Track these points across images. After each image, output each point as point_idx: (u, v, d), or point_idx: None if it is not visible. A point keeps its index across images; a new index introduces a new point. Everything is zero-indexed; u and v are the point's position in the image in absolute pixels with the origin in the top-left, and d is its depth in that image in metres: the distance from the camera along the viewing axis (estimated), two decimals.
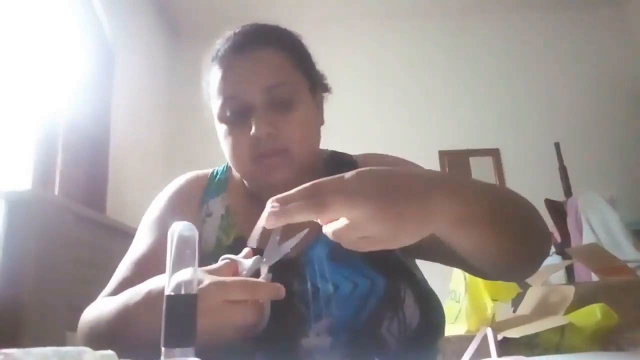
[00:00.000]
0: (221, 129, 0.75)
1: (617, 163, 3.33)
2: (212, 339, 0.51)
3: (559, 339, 1.11)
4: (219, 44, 0.78)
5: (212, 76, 0.76)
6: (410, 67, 3.60)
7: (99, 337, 0.60)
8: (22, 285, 1.60)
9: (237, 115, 0.72)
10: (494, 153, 3.46)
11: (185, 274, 0.39)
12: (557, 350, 1.11)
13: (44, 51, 2.12)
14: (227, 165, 0.86)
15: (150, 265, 0.70)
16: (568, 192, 2.87)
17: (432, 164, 3.39)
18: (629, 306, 1.22)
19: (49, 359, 0.34)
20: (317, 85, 0.80)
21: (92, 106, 2.52)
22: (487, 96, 3.56)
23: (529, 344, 1.12)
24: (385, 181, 0.46)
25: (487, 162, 3.45)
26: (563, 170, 2.93)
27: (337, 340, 0.66)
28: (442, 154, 3.46)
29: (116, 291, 0.67)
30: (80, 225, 1.98)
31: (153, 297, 0.53)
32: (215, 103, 0.75)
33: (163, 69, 3.53)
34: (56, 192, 2.12)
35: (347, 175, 0.46)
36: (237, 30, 0.78)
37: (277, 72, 0.73)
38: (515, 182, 3.38)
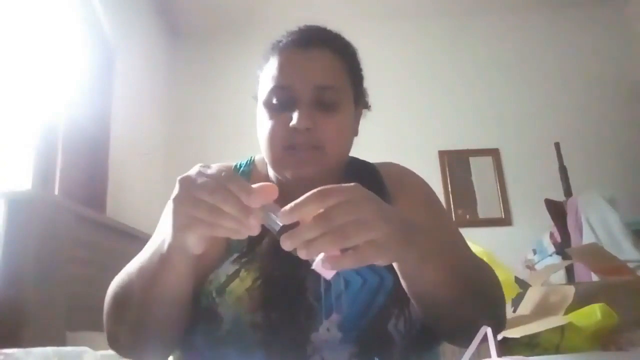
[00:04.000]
0: (263, 113, 0.76)
1: (617, 163, 3.32)
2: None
3: (559, 339, 1.11)
4: (282, 36, 0.79)
5: (269, 64, 0.78)
6: (410, 67, 3.60)
7: (128, 297, 0.64)
8: (22, 285, 1.60)
9: (282, 104, 0.74)
10: (494, 153, 3.46)
11: None
12: (557, 350, 1.11)
13: (44, 51, 2.12)
14: (250, 159, 0.87)
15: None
16: (568, 192, 2.87)
17: (432, 163, 3.40)
18: (629, 306, 1.22)
19: (50, 359, 0.34)
20: (360, 98, 0.83)
21: (92, 106, 2.52)
22: (487, 96, 3.56)
23: (529, 344, 1.12)
24: (404, 220, 0.55)
25: (487, 162, 3.45)
26: (563, 170, 2.93)
27: (346, 335, 0.68)
28: (442, 154, 3.46)
29: None
30: (80, 225, 1.98)
31: (164, 252, 0.57)
32: (264, 88, 0.77)
33: (163, 69, 3.53)
34: (56, 192, 2.12)
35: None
36: (301, 27, 0.80)
37: (330, 75, 0.75)
38: (515, 182, 3.38)
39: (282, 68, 0.75)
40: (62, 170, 2.18)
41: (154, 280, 0.60)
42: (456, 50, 3.67)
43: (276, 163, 0.75)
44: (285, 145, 0.72)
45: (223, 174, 0.51)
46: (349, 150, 0.81)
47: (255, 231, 0.50)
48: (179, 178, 0.53)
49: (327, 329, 0.68)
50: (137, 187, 2.86)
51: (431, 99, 3.57)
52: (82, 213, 2.02)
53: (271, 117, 0.74)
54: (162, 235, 0.59)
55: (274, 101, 0.74)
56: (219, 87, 3.61)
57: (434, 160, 3.43)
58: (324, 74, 0.74)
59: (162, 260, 0.58)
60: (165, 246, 0.56)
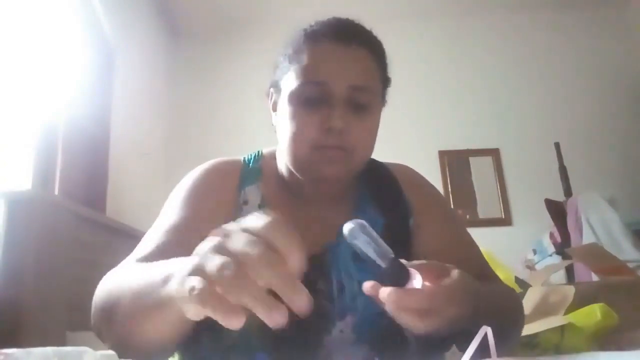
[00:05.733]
0: (289, 108, 0.71)
1: (617, 163, 3.32)
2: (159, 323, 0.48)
3: (559, 339, 1.11)
4: (315, 26, 0.74)
5: (302, 55, 0.72)
6: (410, 67, 3.60)
7: (112, 320, 0.57)
8: (22, 285, 1.60)
9: (314, 100, 0.69)
10: (494, 153, 3.46)
11: None
12: (557, 350, 1.11)
13: (44, 51, 2.12)
14: (257, 153, 0.84)
15: (187, 234, 0.66)
16: (568, 192, 2.87)
17: (432, 163, 3.40)
18: (629, 306, 1.22)
19: (50, 359, 0.34)
20: (385, 99, 0.81)
21: (92, 106, 2.52)
22: (487, 96, 3.56)
23: (529, 344, 1.12)
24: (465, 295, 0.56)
25: (487, 162, 3.45)
26: (563, 170, 2.93)
27: (360, 337, 0.67)
28: (442, 154, 3.46)
29: (153, 256, 0.63)
30: (80, 225, 1.98)
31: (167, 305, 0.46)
32: (292, 80, 0.71)
33: (163, 69, 3.53)
34: (56, 192, 2.12)
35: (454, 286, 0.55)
36: (338, 20, 0.76)
37: (367, 75, 0.72)
38: (515, 182, 3.38)
39: (318, 62, 0.70)
40: (62, 170, 2.17)
41: (144, 317, 0.51)
42: (456, 50, 3.67)
43: (301, 161, 0.72)
44: (314, 145, 0.69)
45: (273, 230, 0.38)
46: (373, 150, 0.79)
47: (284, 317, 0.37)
48: (210, 237, 0.40)
49: (341, 331, 0.67)
50: (137, 187, 2.85)
51: (431, 99, 3.56)
52: (82, 213, 2.02)
53: (301, 115, 0.70)
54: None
55: (305, 94, 0.70)
56: (219, 87, 3.61)
57: (434, 160, 3.43)
58: (362, 73, 0.71)
59: (156, 306, 0.47)
60: (162, 294, 0.45)
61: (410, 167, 0.89)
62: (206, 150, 3.43)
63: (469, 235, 0.83)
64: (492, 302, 0.63)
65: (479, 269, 0.78)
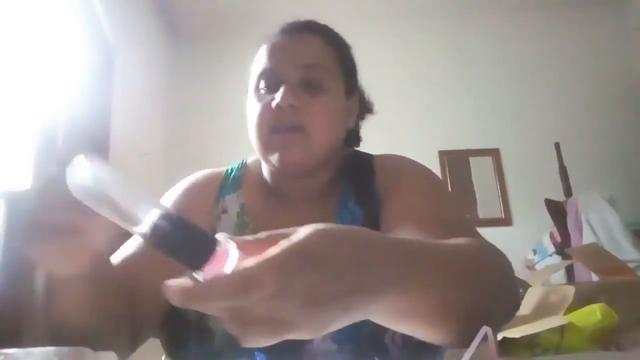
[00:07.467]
0: (251, 100, 0.77)
1: (617, 163, 3.32)
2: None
3: (559, 339, 1.11)
4: (272, 30, 0.80)
5: (258, 53, 0.78)
6: (410, 67, 3.60)
7: None
8: (22, 285, 1.60)
9: (269, 87, 0.74)
10: (494, 153, 3.46)
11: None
12: (557, 350, 1.11)
13: (44, 51, 2.12)
14: (242, 162, 0.87)
15: (144, 257, 0.70)
16: (568, 192, 2.87)
17: (432, 164, 3.38)
18: (629, 306, 1.22)
19: (50, 359, 0.34)
20: (353, 89, 0.82)
21: (92, 106, 2.52)
22: (487, 96, 3.56)
23: (529, 344, 1.12)
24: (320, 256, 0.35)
25: (487, 162, 3.45)
26: (563, 170, 2.93)
27: (341, 347, 0.66)
28: (442, 154, 3.46)
29: (120, 265, 0.71)
30: None
31: None
32: (252, 76, 0.78)
33: (163, 69, 3.53)
34: None
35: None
36: (294, 19, 0.81)
37: (314, 54, 0.75)
38: (515, 182, 3.38)
39: (267, 54, 0.75)
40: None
41: None
42: (456, 50, 3.67)
43: (263, 147, 0.74)
44: (270, 128, 0.72)
45: None
46: (336, 138, 0.76)
47: None
48: None
49: (322, 340, 0.66)
50: None
51: (431, 99, 3.56)
52: None
53: (258, 101, 0.74)
54: None
55: (261, 85, 0.75)
56: (219, 87, 3.61)
57: (434, 160, 3.43)
58: (308, 53, 0.74)
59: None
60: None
61: (401, 155, 0.83)
62: (206, 150, 3.43)
63: (450, 207, 0.73)
64: (442, 261, 0.47)
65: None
